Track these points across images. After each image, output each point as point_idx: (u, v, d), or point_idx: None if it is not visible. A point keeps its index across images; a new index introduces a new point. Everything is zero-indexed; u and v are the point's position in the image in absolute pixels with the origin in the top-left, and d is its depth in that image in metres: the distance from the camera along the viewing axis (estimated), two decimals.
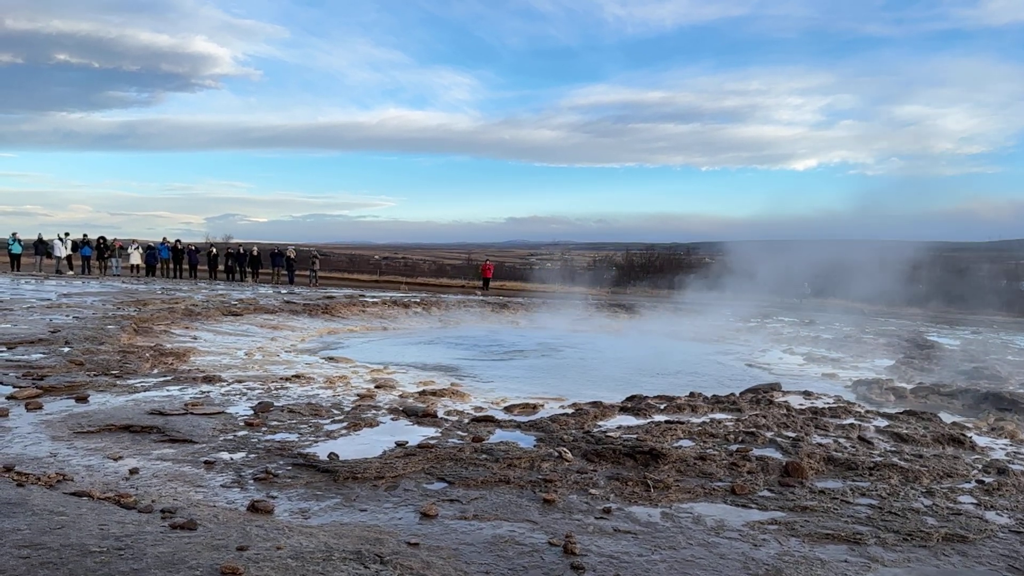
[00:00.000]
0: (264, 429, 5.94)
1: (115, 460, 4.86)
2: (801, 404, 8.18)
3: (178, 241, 28.28)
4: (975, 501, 4.77)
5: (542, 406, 7.66)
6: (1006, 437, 6.83)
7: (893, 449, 6.06)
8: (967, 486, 5.09)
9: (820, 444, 6.07)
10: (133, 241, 28.18)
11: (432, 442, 5.72)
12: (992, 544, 4.02)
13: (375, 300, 20.45)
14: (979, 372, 11.10)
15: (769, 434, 6.37)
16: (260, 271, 29.24)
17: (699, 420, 6.96)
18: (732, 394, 8.49)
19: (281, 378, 8.55)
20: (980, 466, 5.61)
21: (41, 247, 26.36)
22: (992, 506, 4.68)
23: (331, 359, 11.04)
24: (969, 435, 6.61)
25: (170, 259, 27.91)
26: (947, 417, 7.69)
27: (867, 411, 7.87)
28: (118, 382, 7.51)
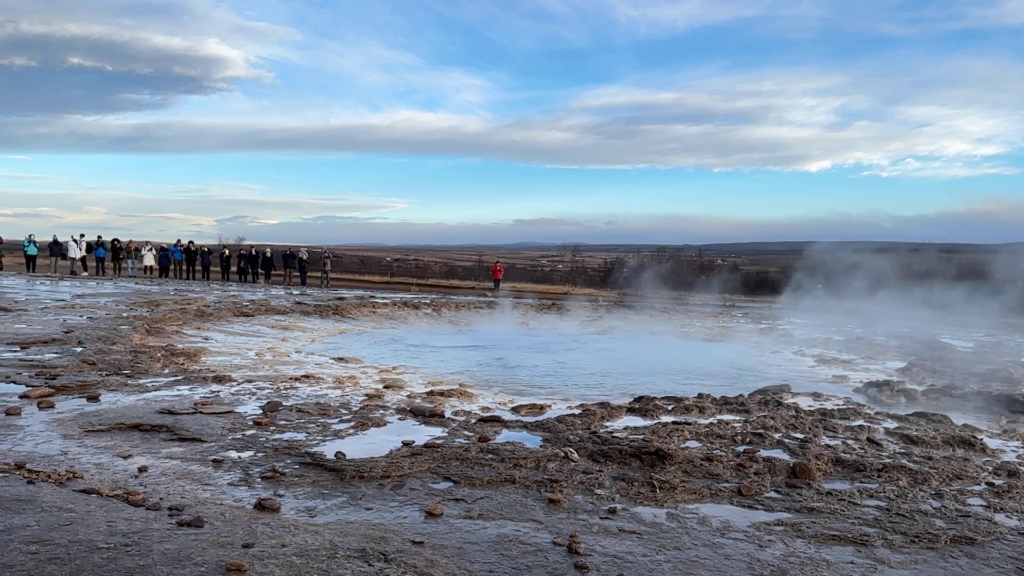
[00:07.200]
0: (272, 428, 5.99)
1: (124, 458, 4.91)
2: (810, 406, 8.13)
3: (191, 242, 28.51)
4: (984, 503, 4.73)
5: (549, 407, 7.66)
6: (1018, 439, 6.77)
7: (902, 451, 6.01)
8: (977, 488, 5.05)
9: (828, 446, 6.03)
10: (147, 243, 28.46)
11: (439, 442, 5.74)
12: (1001, 547, 3.98)
13: (385, 301, 20.52)
14: (992, 374, 10.97)
15: (777, 435, 6.34)
16: (272, 272, 29.41)
17: (707, 421, 6.94)
18: (740, 395, 8.45)
19: (291, 378, 8.60)
20: (990, 468, 5.56)
21: (56, 248, 26.66)
22: (1002, 508, 4.63)
23: (340, 359, 11.08)
24: (980, 437, 6.54)
25: (183, 260, 28.16)
26: (958, 419, 7.61)
27: (877, 413, 7.81)
28: (129, 381, 7.58)
